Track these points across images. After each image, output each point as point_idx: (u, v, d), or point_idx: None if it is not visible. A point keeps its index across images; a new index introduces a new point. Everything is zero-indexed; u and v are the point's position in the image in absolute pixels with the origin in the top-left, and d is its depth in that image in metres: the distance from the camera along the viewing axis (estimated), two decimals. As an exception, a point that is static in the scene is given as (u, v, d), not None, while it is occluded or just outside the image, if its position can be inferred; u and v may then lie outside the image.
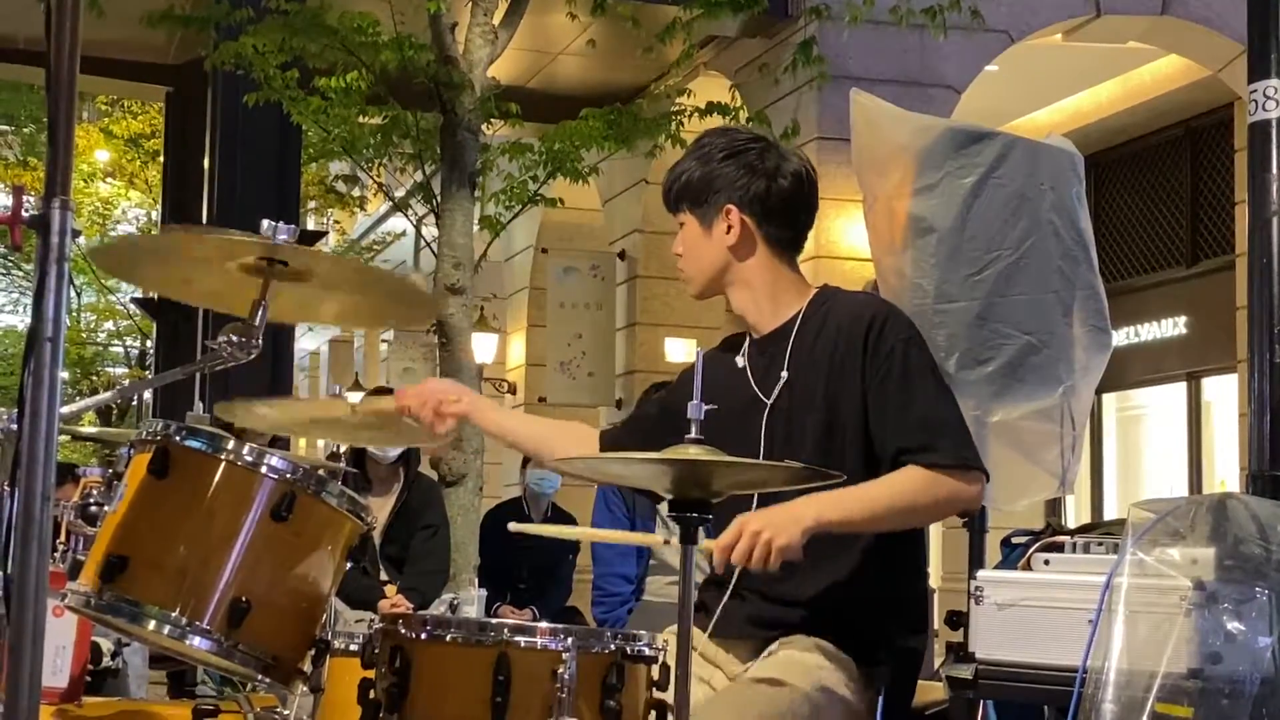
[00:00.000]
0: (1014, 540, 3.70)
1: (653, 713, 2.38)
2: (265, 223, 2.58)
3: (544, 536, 8.77)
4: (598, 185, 11.78)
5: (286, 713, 2.75)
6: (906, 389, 2.77)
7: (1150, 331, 12.78)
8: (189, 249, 2.80)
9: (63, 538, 2.96)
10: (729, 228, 2.90)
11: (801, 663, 2.73)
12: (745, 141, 2.95)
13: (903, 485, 2.70)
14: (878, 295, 3.03)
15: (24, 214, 1.92)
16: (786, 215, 2.93)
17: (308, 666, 2.60)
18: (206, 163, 11.67)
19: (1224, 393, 12.20)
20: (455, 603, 5.84)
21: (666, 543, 2.73)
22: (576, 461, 2.61)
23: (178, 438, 2.58)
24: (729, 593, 2.84)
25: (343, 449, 6.37)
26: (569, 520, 8.34)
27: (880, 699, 2.83)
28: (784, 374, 2.87)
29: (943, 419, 2.76)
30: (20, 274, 22.89)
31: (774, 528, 2.55)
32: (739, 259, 2.93)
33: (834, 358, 2.82)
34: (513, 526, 2.89)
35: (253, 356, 2.71)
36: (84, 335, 24.32)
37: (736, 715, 2.58)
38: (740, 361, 2.96)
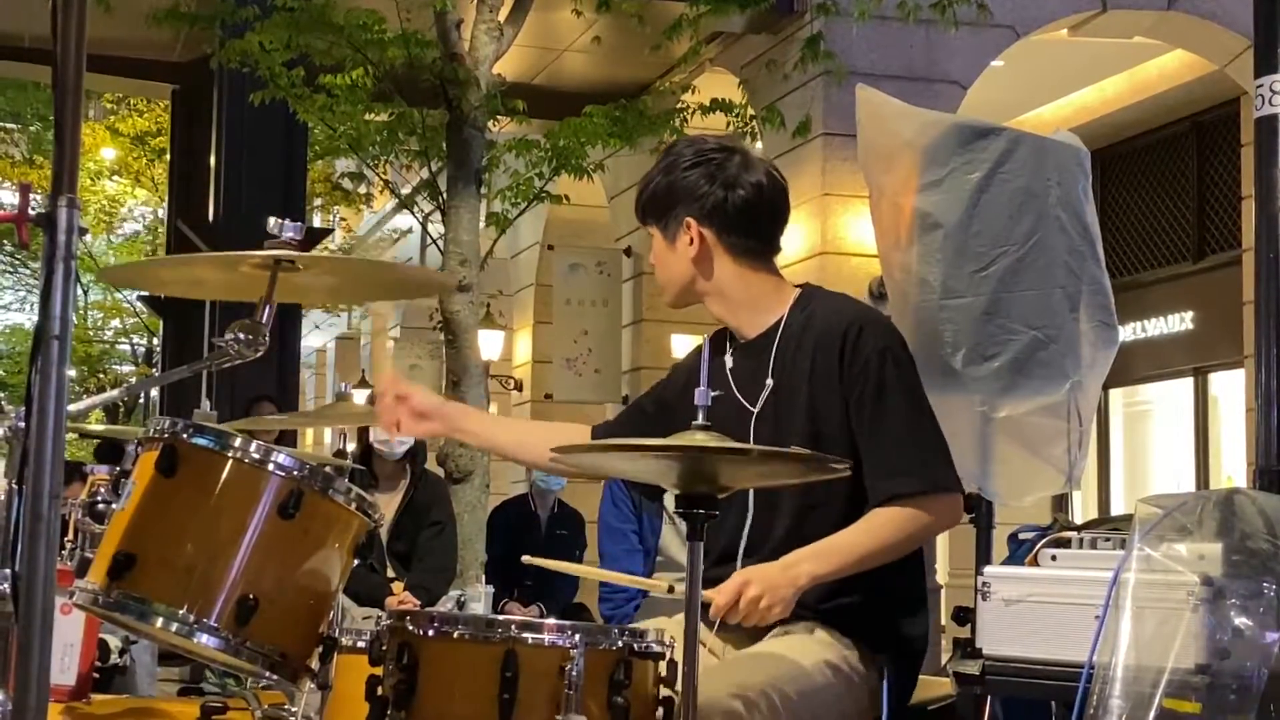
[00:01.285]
0: (1021, 536, 3.70)
1: (660, 709, 2.39)
2: (271, 220, 2.59)
3: (549, 535, 8.78)
4: (603, 182, 11.78)
5: (294, 710, 2.75)
6: (879, 408, 2.80)
7: (1157, 326, 12.76)
8: (197, 268, 2.80)
9: (70, 535, 2.96)
10: (690, 240, 2.90)
11: (805, 640, 2.78)
12: (708, 151, 2.92)
13: (882, 527, 2.77)
14: (856, 301, 3.03)
15: (30, 212, 1.92)
16: (745, 225, 2.92)
17: (315, 664, 2.61)
18: (213, 160, 11.68)
19: (1231, 388, 12.18)
20: (462, 599, 5.84)
21: (670, 590, 2.77)
22: (582, 457, 2.61)
23: (185, 435, 2.58)
24: None
25: (350, 446, 6.38)
26: (575, 516, 8.37)
27: (884, 685, 2.84)
28: (769, 381, 2.88)
29: (912, 440, 2.80)
30: (27, 272, 22.89)
31: (771, 592, 2.67)
32: (704, 271, 2.93)
33: (815, 368, 2.84)
34: (527, 560, 2.93)
35: (260, 354, 2.72)
36: (90, 333, 24.31)
37: (743, 679, 2.59)
38: (729, 362, 2.97)
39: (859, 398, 2.80)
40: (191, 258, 2.87)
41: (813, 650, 2.75)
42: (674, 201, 2.91)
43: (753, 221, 2.92)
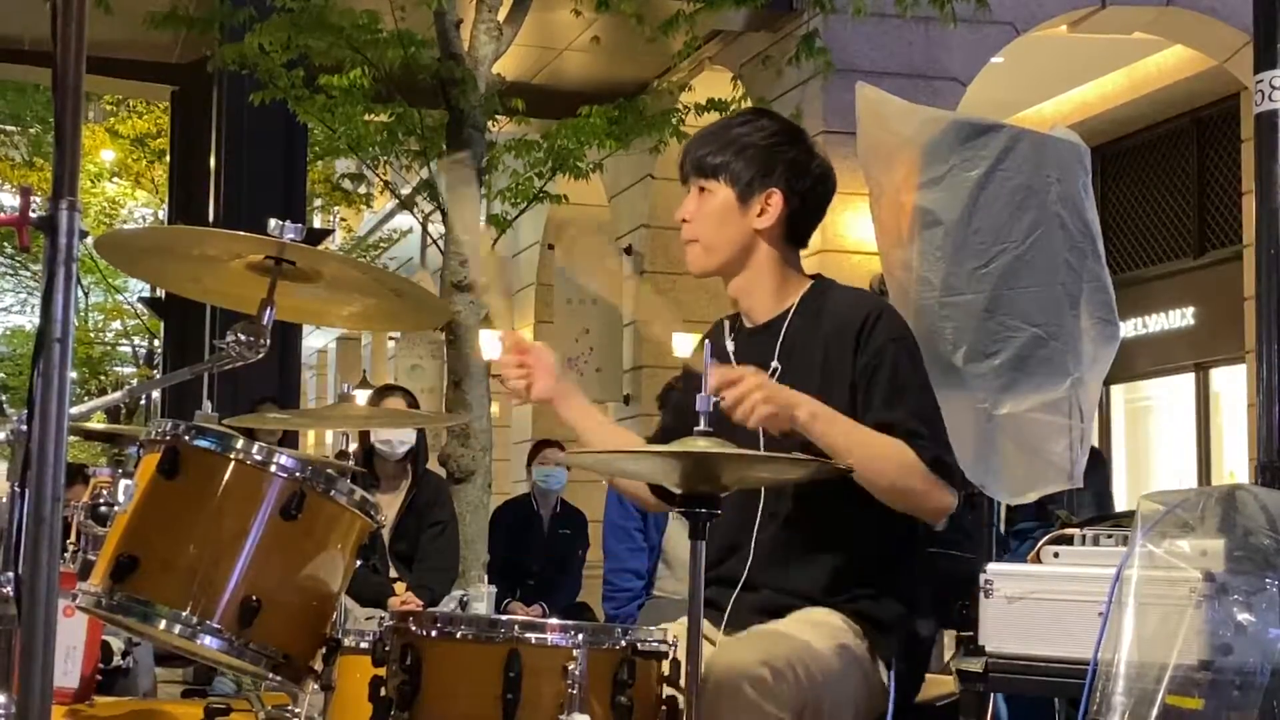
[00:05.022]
0: (1024, 532, 3.69)
1: (664, 708, 2.39)
2: (272, 221, 2.58)
3: (551, 535, 8.73)
4: (603, 181, 11.77)
5: (298, 711, 2.75)
6: (894, 391, 2.77)
7: (1158, 322, 12.76)
8: (196, 246, 2.80)
9: (73, 538, 2.97)
10: (761, 211, 2.90)
11: (819, 625, 2.75)
12: (794, 131, 2.97)
13: (888, 447, 2.71)
14: (871, 293, 3.04)
15: (31, 215, 1.92)
16: (816, 214, 2.97)
17: (319, 664, 2.61)
18: (212, 162, 11.67)
19: (1232, 383, 12.18)
20: (465, 600, 5.84)
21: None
22: (586, 457, 2.61)
23: (187, 437, 2.58)
24: (740, 587, 2.84)
25: (351, 447, 6.37)
26: (578, 516, 8.36)
27: (892, 677, 2.84)
28: (774, 364, 2.87)
29: (927, 421, 2.77)
30: (28, 274, 22.89)
31: (774, 400, 2.60)
32: (762, 244, 2.93)
33: (827, 357, 2.83)
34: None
35: (261, 355, 2.72)
36: (92, 335, 24.33)
37: (769, 649, 2.58)
38: (732, 346, 2.97)
39: (871, 382, 2.77)
40: (190, 231, 2.86)
41: (826, 634, 2.73)
42: (768, 170, 2.90)
43: (819, 212, 2.97)
